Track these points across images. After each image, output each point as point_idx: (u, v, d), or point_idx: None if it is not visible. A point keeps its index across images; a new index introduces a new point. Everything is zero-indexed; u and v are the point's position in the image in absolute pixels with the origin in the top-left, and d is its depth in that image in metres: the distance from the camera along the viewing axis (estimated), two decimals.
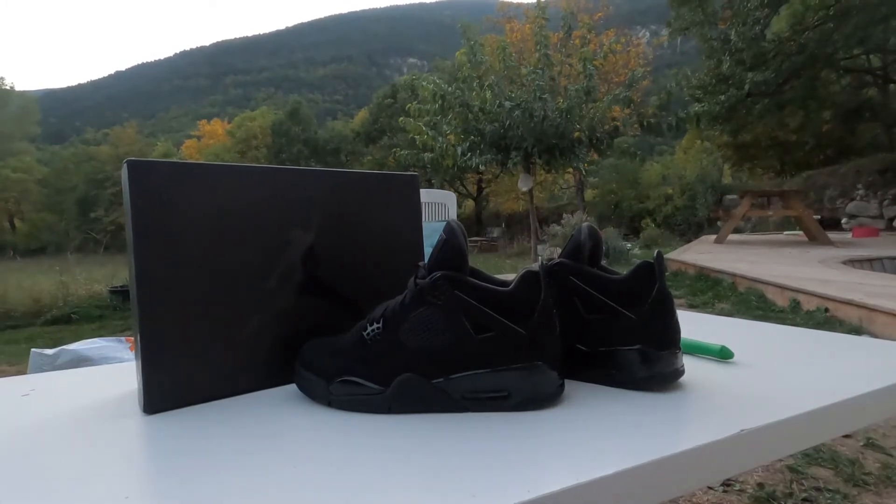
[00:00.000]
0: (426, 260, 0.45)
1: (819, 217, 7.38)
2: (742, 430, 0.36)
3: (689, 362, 0.50)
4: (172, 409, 0.45)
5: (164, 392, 0.45)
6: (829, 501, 0.97)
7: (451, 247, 0.43)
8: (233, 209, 0.49)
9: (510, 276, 0.45)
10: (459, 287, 0.42)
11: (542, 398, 0.43)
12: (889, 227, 8.78)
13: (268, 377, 0.51)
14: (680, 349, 0.46)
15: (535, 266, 0.44)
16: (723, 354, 0.54)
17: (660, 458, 0.32)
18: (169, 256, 0.46)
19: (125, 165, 0.45)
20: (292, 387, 0.49)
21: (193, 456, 0.36)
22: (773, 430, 0.37)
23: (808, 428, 0.39)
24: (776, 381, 0.47)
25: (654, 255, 0.48)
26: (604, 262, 0.52)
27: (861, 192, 9.81)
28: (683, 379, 0.47)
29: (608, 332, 0.47)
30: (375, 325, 0.45)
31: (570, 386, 0.46)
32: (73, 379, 0.59)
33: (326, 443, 0.38)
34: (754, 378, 0.49)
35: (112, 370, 0.62)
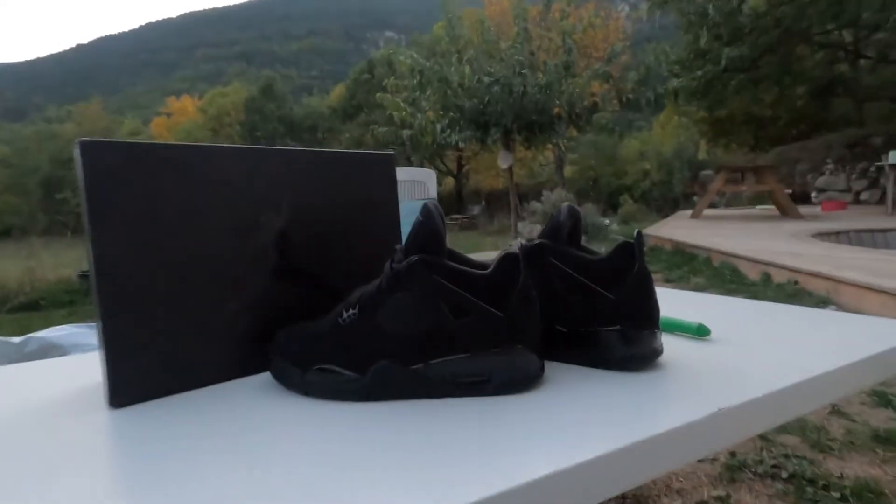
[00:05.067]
0: (404, 241, 0.44)
1: (790, 191, 7.56)
2: (720, 409, 0.36)
3: (666, 340, 0.51)
4: (140, 402, 0.43)
5: (129, 384, 0.43)
6: (796, 467, 1.01)
7: (427, 230, 0.42)
8: (197, 192, 0.47)
9: (492, 255, 0.44)
10: (436, 271, 0.41)
11: (522, 381, 0.42)
12: (856, 201, 9.06)
13: (241, 366, 0.49)
14: (659, 329, 0.46)
15: (515, 247, 0.43)
16: (700, 332, 0.55)
17: (639, 441, 0.32)
18: (129, 242, 0.43)
19: (77, 146, 0.42)
20: (267, 375, 0.48)
21: (162, 452, 0.34)
22: (750, 407, 0.38)
23: (784, 404, 0.40)
24: (752, 358, 0.48)
25: (634, 234, 0.47)
26: (584, 241, 0.51)
27: (830, 166, 10.06)
28: (662, 358, 0.47)
29: (588, 312, 0.47)
30: (351, 311, 0.44)
31: (550, 367, 0.45)
32: (37, 370, 0.56)
33: (303, 434, 0.37)
34: (731, 355, 0.49)
35: (79, 361, 0.59)
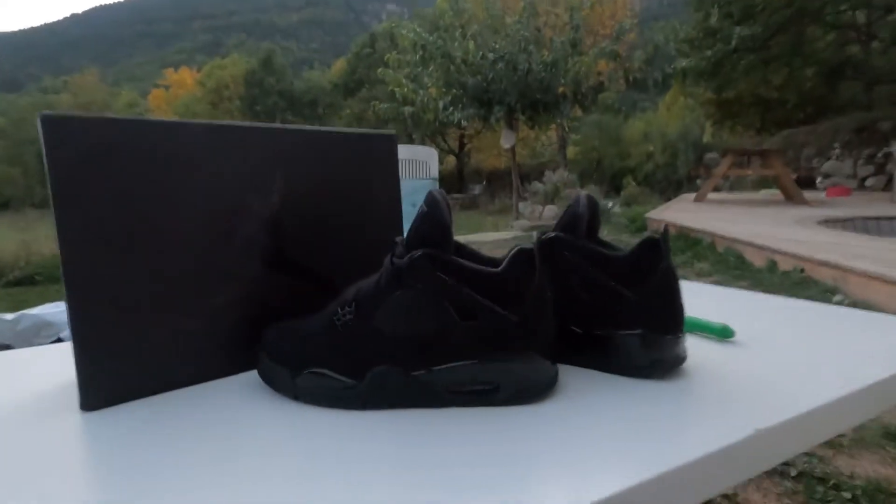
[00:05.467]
0: (405, 226, 0.39)
1: (795, 176, 7.47)
2: (757, 430, 0.32)
3: (688, 342, 0.47)
4: (114, 404, 0.40)
5: (102, 385, 0.39)
6: (805, 465, 0.99)
7: (433, 221, 0.37)
8: (178, 173, 0.42)
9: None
10: (442, 267, 0.37)
11: (534, 391, 0.38)
12: (861, 187, 8.96)
13: (226, 365, 0.45)
14: (683, 333, 0.42)
15: (531, 241, 0.39)
16: (723, 333, 0.51)
17: (669, 471, 0.28)
18: (101, 228, 0.39)
19: (39, 121, 0.37)
20: (254, 374, 0.44)
21: (135, 462, 0.31)
22: (790, 426, 0.34)
23: (827, 421, 0.36)
24: (784, 366, 0.44)
25: (661, 229, 0.43)
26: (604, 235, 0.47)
27: (837, 151, 9.93)
28: (684, 363, 0.43)
29: (607, 313, 0.43)
30: (347, 310, 0.39)
31: (563, 371, 0.42)
32: (13, 361, 0.52)
33: (292, 445, 0.33)
34: (759, 361, 0.45)
35: (62, 351, 0.55)
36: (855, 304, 2.02)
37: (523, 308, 0.37)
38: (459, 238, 0.41)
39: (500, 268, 0.38)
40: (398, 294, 0.37)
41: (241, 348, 0.45)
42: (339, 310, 0.40)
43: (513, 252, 0.38)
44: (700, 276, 2.90)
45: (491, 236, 4.90)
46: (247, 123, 0.47)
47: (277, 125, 0.49)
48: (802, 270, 2.55)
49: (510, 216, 7.90)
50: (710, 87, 11.93)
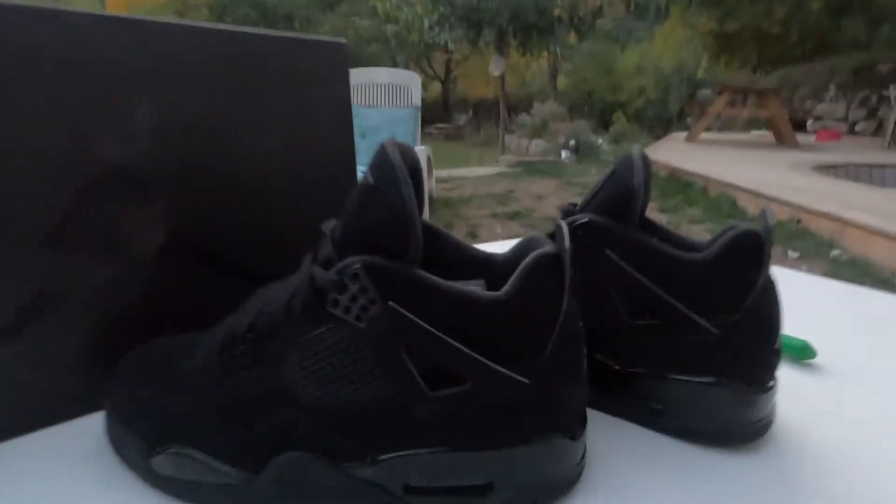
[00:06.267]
0: (359, 171, 0.22)
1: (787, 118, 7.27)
2: None
3: None
4: None
5: None
6: None
7: (385, 210, 0.20)
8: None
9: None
10: (399, 291, 0.20)
11: (549, 489, 0.23)
12: (851, 131, 8.84)
13: (66, 401, 0.29)
14: (776, 380, 0.27)
15: (555, 243, 0.22)
16: (803, 354, 0.36)
17: None
18: None
19: None
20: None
21: None
22: None
23: None
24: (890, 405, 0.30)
25: (761, 214, 0.26)
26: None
27: (832, 93, 9.69)
28: None
29: (664, 348, 0.27)
30: (240, 347, 0.23)
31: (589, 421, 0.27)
32: None
33: None
34: (853, 397, 0.31)
35: None
36: (853, 260, 1.94)
37: (542, 363, 0.21)
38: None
39: (504, 291, 0.21)
40: (321, 333, 0.21)
41: (88, 374, 0.29)
42: (230, 343, 0.24)
43: (526, 262, 0.22)
44: (692, 223, 2.79)
45: (475, 172, 4.67)
46: (130, 16, 0.28)
47: (175, 21, 0.30)
48: (799, 221, 2.45)
49: (496, 149, 7.59)
50: (711, 17, 11.32)
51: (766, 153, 5.08)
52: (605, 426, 0.28)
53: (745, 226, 0.26)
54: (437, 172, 3.24)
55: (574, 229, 0.27)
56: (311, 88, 0.36)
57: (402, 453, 0.22)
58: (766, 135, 7.20)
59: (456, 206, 3.32)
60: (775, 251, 0.26)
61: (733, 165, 4.03)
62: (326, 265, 0.21)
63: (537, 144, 6.92)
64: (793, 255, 2.11)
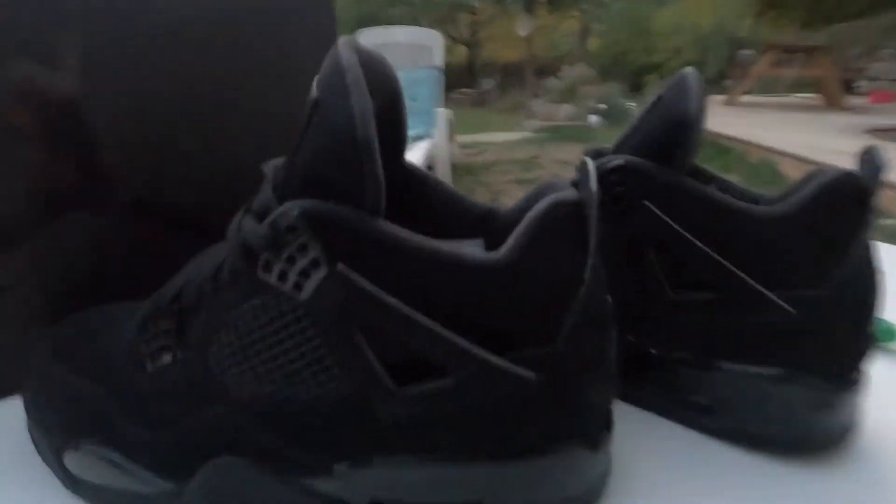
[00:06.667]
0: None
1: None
2: None
3: None
4: None
5: None
6: None
7: (329, 135, 0.14)
8: None
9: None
10: (351, 249, 0.14)
11: None
12: None
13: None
14: (862, 374, 0.21)
15: (572, 186, 0.16)
16: (889, 336, 0.30)
17: None
18: None
19: None
20: None
21: None
22: None
23: None
24: None
25: (862, 156, 0.19)
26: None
27: (889, 51, 8.98)
28: None
29: (717, 330, 0.21)
30: (160, 323, 0.18)
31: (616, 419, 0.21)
32: None
33: None
34: None
35: None
36: None
37: (554, 350, 0.16)
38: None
39: (502, 252, 0.15)
40: (254, 303, 0.15)
41: (17, 347, 0.24)
42: (153, 317, 0.18)
43: (536, 209, 0.15)
44: None
45: (499, 137, 4.53)
46: None
47: None
48: None
49: (522, 114, 7.35)
50: None
51: (813, 116, 4.76)
52: (637, 426, 0.23)
53: (839, 169, 0.19)
54: (459, 138, 3.14)
55: (603, 174, 0.21)
56: (290, 20, 0.30)
57: (363, 463, 0.16)
58: (811, 98, 6.74)
59: (478, 173, 3.22)
60: None
61: (776, 129, 3.78)
62: (262, 216, 0.16)
63: (566, 109, 6.66)
64: None
